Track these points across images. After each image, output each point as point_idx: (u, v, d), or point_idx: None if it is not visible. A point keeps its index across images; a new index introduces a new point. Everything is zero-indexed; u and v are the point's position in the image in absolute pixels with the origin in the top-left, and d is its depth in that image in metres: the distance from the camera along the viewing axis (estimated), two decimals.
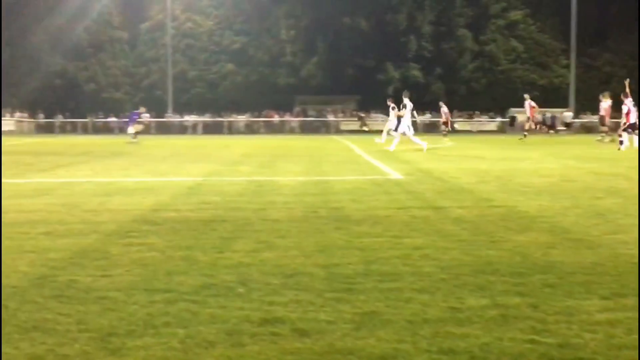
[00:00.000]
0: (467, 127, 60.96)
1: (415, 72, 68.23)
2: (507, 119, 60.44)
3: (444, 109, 43.32)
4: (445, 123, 43.17)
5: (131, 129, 36.68)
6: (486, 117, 63.93)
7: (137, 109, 41.22)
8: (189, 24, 73.36)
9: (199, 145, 32.06)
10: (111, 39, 74.20)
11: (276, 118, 64.52)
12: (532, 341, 4.11)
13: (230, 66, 72.09)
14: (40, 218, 8.79)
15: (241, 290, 5.23)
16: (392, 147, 25.68)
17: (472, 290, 5.28)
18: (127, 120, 39.45)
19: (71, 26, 70.73)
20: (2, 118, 58.53)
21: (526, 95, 40.85)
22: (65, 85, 70.69)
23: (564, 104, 61.12)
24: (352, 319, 4.51)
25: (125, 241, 7.19)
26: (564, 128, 55.39)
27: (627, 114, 27.86)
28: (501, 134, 54.71)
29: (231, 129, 62.42)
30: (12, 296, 5.02)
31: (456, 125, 57.88)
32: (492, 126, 62.40)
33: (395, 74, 67.90)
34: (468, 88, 67.49)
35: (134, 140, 34.68)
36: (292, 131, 60.88)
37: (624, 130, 27.80)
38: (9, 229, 7.93)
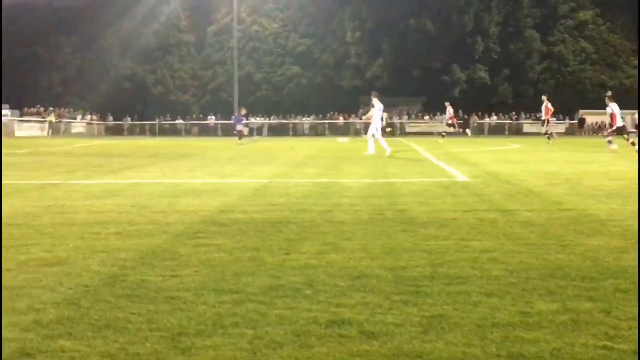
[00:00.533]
0: (534, 129, 60.06)
1: (482, 74, 67.64)
2: (576, 121, 59.37)
3: (450, 109, 42.90)
4: (451, 125, 42.79)
5: (243, 130, 38.56)
6: (554, 118, 62.82)
7: (239, 112, 42.10)
8: (255, 27, 74.06)
9: (264, 147, 32.28)
10: (178, 43, 75.37)
11: (341, 120, 64.56)
12: (605, 347, 4.01)
13: (295, 68, 72.53)
14: (110, 218, 8.95)
15: (308, 291, 5.24)
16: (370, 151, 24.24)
17: (541, 294, 5.19)
18: (232, 122, 40.43)
19: (140, 30, 72.13)
20: (74, 121, 59.89)
21: (544, 97, 40.42)
22: (133, 88, 72.10)
23: (634, 106, 59.77)
24: (420, 322, 4.48)
25: (194, 242, 7.27)
26: (635, 130, 54.12)
27: None
28: (570, 136, 53.74)
29: (296, 131, 62.71)
30: (85, 295, 5.12)
31: (524, 128, 57.05)
32: (561, 128, 61.36)
33: (461, 75, 67.42)
34: (536, 89, 66.53)
35: (253, 139, 35.75)
36: (357, 133, 60.82)
37: None
38: (81, 229, 8.10)
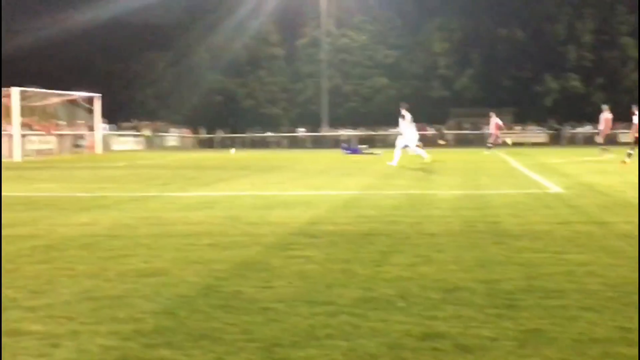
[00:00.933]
0: (630, 139, 58.15)
1: (575, 83, 66.13)
2: None
3: (495, 119, 42.26)
4: (494, 135, 42.30)
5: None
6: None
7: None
8: (344, 40, 74.35)
9: (353, 158, 32.34)
10: (268, 56, 76.32)
11: (430, 131, 64.15)
12: None
13: (383, 80, 72.49)
14: (204, 230, 9.13)
15: (401, 304, 5.23)
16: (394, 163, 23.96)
17: None
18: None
19: (231, 44, 73.36)
20: (168, 134, 61.24)
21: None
22: (224, 101, 73.37)
23: None
24: (516, 336, 4.42)
25: (286, 253, 7.35)
26: None
27: None
28: None
29: (385, 142, 62.59)
30: (182, 305, 5.25)
31: (620, 137, 55.35)
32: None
33: (553, 84, 66.10)
34: (632, 98, 64.53)
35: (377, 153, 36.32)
36: (447, 144, 60.27)
37: None
38: (177, 240, 8.30)
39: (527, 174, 19.60)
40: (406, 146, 25.12)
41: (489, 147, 40.67)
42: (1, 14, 62.62)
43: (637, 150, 24.50)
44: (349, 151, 39.26)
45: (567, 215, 10.18)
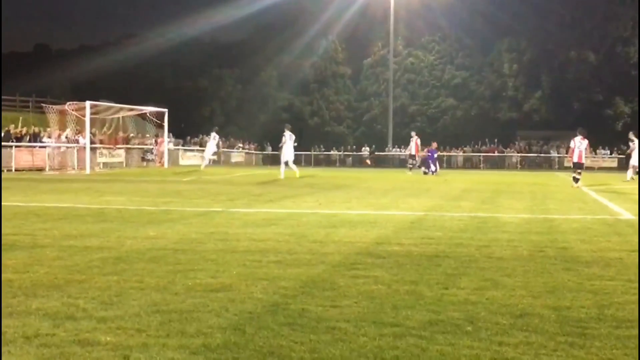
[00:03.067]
0: None
1: None
2: None
3: (415, 140, 41.90)
4: (413, 156, 42.15)
5: (432, 166, 38.91)
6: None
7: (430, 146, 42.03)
8: (411, 59, 74.34)
9: (418, 179, 32.17)
10: (335, 75, 76.76)
11: (497, 153, 63.48)
12: None
13: (450, 100, 72.19)
14: (270, 247, 9.18)
15: (469, 328, 5.17)
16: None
17: None
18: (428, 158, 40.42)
19: (298, 63, 74.08)
20: (233, 150, 61.84)
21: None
22: (291, 119, 73.83)
23: None
24: None
25: (352, 273, 7.34)
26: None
27: None
28: None
29: (450, 163, 62.16)
30: (249, 321, 5.27)
31: None
32: None
33: (625, 108, 64.89)
34: None
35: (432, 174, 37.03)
36: (512, 166, 59.58)
37: None
38: (243, 256, 8.36)
39: (597, 199, 19.22)
40: (286, 162, 30.82)
41: (410, 168, 41.05)
42: (1, 14, 64.16)
43: None
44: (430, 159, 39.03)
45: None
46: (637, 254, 8.94)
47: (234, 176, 32.60)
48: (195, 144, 60.83)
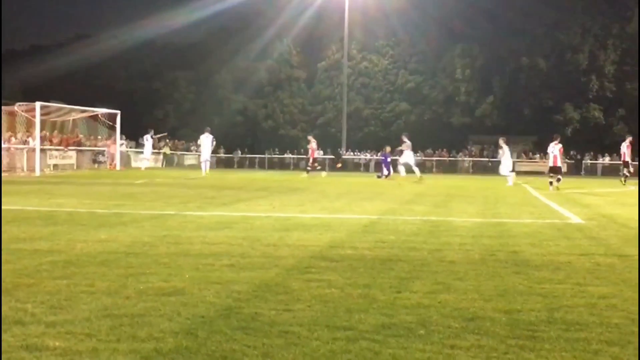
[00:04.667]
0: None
1: (596, 113, 65.95)
2: None
3: (312, 144, 42.92)
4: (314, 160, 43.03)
5: (385, 170, 39.31)
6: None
7: (383, 150, 42.37)
8: (365, 63, 74.62)
9: (371, 183, 32.31)
10: (289, 78, 76.77)
11: (449, 157, 64.06)
12: None
13: (404, 105, 72.61)
14: (223, 250, 9.13)
15: (422, 331, 5.20)
16: None
17: None
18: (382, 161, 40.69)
19: (253, 66, 73.89)
20: (187, 153, 61.45)
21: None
22: (245, 122, 73.77)
23: None
24: None
25: (305, 277, 7.33)
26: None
27: None
28: None
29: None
30: (202, 325, 5.24)
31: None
32: None
33: (574, 114, 65.97)
34: None
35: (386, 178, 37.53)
36: (465, 171, 60.16)
37: None
38: (196, 260, 8.30)
39: (547, 204, 19.49)
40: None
41: (308, 171, 41.63)
42: (1, 15, 63.28)
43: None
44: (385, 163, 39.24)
45: (588, 247, 10.11)
46: (585, 257, 9.09)
47: (188, 179, 32.37)
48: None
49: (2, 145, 37.64)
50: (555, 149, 28.25)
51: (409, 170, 35.93)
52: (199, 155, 55.96)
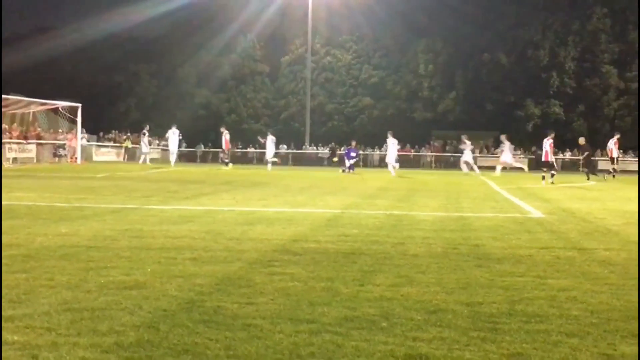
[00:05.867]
0: (608, 166, 58.70)
1: (556, 109, 66.75)
2: None
3: (225, 136, 43.97)
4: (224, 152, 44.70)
5: (348, 163, 39.59)
6: (631, 156, 61.34)
7: (349, 144, 42.42)
8: (329, 58, 74.69)
9: (334, 177, 32.36)
10: (253, 72, 76.56)
11: (412, 152, 64.33)
12: None
13: (367, 100, 72.81)
14: (185, 244, 9.07)
15: (384, 324, 5.21)
16: None
17: (624, 336, 5.06)
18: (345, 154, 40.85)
19: (217, 60, 73.51)
20: (151, 146, 61.00)
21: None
22: (208, 116, 73.33)
23: None
24: None
25: (268, 270, 7.32)
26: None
27: None
28: None
29: (367, 162, 62.67)
30: (163, 319, 5.20)
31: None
32: (637, 166, 59.66)
33: (535, 110, 66.69)
34: (612, 126, 65.19)
35: (350, 172, 37.70)
36: (427, 165, 60.51)
37: None
38: (157, 253, 8.24)
39: (509, 198, 19.68)
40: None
41: (227, 163, 43.07)
42: (1, 15, 62.38)
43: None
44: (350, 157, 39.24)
45: (548, 241, 10.22)
46: (546, 250, 9.20)
47: (150, 173, 32.14)
48: (109, 139, 59.70)
49: None
50: (546, 144, 29.15)
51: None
52: (162, 149, 55.96)
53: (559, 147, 63.81)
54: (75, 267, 7.25)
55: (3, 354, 4.30)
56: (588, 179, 33.28)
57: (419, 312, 5.60)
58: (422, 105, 70.77)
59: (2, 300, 5.69)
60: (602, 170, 38.45)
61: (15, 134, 42.46)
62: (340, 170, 39.43)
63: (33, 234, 9.64)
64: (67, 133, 47.22)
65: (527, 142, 63.66)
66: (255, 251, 8.62)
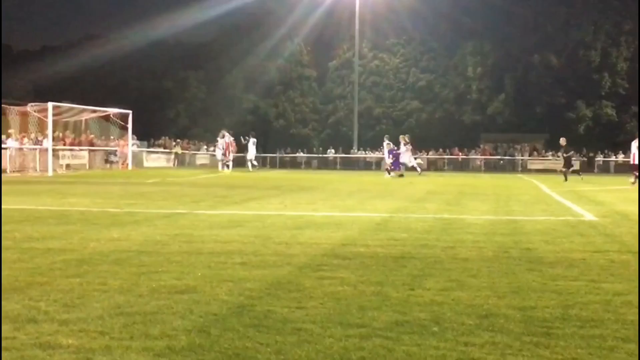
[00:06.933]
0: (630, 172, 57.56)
1: (609, 110, 65.68)
2: None
3: (227, 139, 44.76)
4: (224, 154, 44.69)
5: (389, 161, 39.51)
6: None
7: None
8: (376, 62, 74.59)
9: (382, 181, 32.26)
10: (300, 77, 76.79)
11: (461, 155, 63.90)
12: None
13: (415, 103, 72.52)
14: (235, 248, 9.11)
15: (435, 328, 5.17)
16: None
17: None
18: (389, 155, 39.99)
19: (264, 65, 73.84)
20: (198, 152, 61.50)
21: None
22: (256, 121, 73.73)
23: None
24: None
25: (318, 274, 7.31)
26: None
27: None
28: None
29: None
30: (214, 323, 5.22)
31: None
32: None
33: (586, 112, 65.73)
34: None
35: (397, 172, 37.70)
36: (476, 169, 60.02)
37: None
38: (208, 258, 8.29)
39: (560, 201, 19.41)
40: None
41: (228, 166, 43.74)
42: (1, 15, 63.56)
43: None
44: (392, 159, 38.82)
45: (602, 244, 10.04)
46: (600, 254, 9.03)
47: (199, 178, 32.42)
48: (159, 145, 60.38)
49: (15, 146, 37.86)
50: (634, 147, 29.14)
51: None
52: (210, 155, 56.41)
53: (610, 149, 62.95)
54: (127, 271, 7.33)
55: (58, 357, 4.36)
56: (565, 180, 33.27)
57: (470, 317, 5.53)
58: (471, 108, 70.27)
59: (57, 304, 5.78)
60: (575, 171, 38.24)
61: (68, 141, 43.20)
62: (391, 175, 38.75)
63: (86, 239, 9.78)
64: (118, 139, 47.89)
65: (578, 145, 62.78)
66: (304, 255, 8.62)
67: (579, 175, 36.58)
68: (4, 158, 36.32)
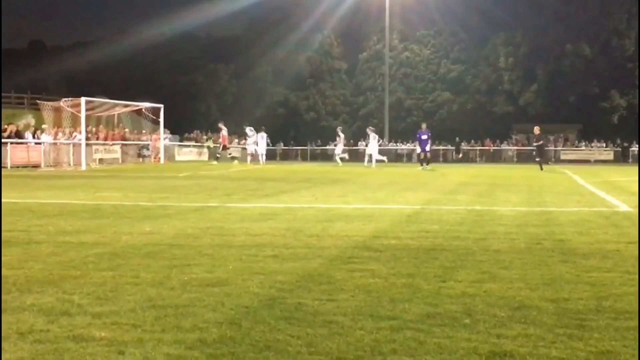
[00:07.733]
0: None
1: None
2: None
3: (223, 132, 45.56)
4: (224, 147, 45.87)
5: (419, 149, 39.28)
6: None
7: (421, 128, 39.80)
8: (406, 53, 74.28)
9: (414, 173, 32.15)
10: (330, 69, 76.71)
11: (492, 147, 63.45)
12: None
13: (446, 94, 72.15)
14: (266, 241, 9.13)
15: (467, 321, 5.13)
16: None
17: None
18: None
19: (293, 58, 73.91)
20: (231, 145, 61.74)
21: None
22: (286, 114, 73.87)
23: None
24: (587, 358, 4.30)
25: (348, 267, 7.30)
26: None
27: None
28: None
29: (446, 158, 62.11)
30: (246, 316, 5.24)
31: None
32: None
33: (620, 101, 64.93)
34: None
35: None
36: (509, 160, 59.59)
37: None
38: (239, 251, 8.32)
39: (594, 192, 19.20)
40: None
41: (233, 158, 45.30)
42: (1, 15, 64.20)
43: None
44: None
45: (636, 235, 9.88)
46: (634, 245, 8.92)
47: (230, 171, 32.54)
48: (191, 139, 60.68)
49: (50, 140, 38.30)
50: None
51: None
52: (242, 147, 56.64)
53: None
54: (159, 264, 7.38)
55: (91, 350, 4.40)
56: (542, 169, 33.02)
57: (502, 309, 5.49)
58: (503, 99, 69.74)
59: (90, 297, 5.84)
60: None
61: (101, 135, 43.60)
62: (420, 167, 38.39)
63: (119, 233, 9.87)
64: (150, 134, 48.22)
65: (612, 134, 62.09)
66: (335, 248, 8.62)
67: (541, 165, 35.88)
68: (38, 153, 36.79)
